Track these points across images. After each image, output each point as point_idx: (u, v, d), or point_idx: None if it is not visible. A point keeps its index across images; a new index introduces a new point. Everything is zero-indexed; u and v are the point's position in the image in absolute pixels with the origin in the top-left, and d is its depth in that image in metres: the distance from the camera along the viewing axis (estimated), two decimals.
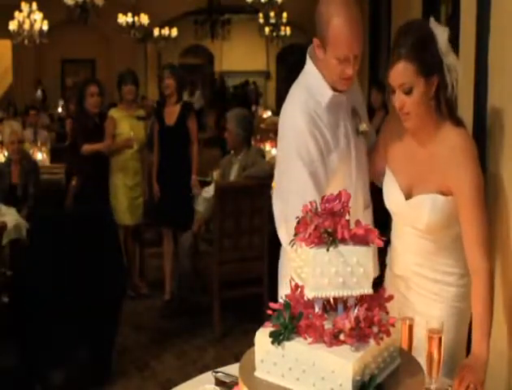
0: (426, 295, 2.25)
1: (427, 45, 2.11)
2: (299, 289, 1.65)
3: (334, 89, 2.23)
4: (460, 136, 2.15)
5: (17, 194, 5.43)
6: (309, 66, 2.29)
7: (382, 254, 2.38)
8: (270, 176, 5.13)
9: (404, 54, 2.08)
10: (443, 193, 2.15)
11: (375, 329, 1.56)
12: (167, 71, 5.50)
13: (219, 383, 1.93)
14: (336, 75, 2.19)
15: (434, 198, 2.15)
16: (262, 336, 1.60)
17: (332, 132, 2.24)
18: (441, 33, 2.12)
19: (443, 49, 2.11)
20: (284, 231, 2.24)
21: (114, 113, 5.58)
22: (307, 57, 2.30)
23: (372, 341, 1.55)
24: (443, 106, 2.15)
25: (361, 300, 1.62)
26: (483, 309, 2.09)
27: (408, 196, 2.23)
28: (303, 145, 2.19)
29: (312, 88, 2.25)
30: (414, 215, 2.21)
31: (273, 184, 5.63)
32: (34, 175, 5.55)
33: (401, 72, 2.09)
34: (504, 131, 2.42)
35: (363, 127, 2.33)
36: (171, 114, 5.49)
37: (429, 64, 2.09)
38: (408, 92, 2.10)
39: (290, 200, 2.20)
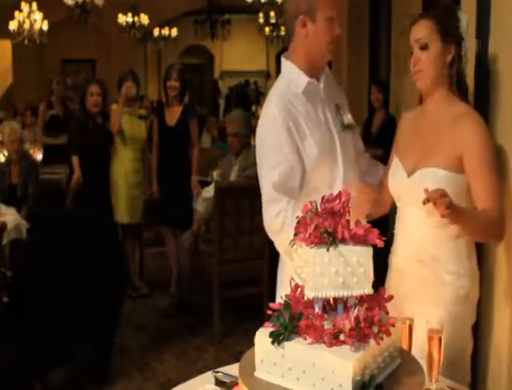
0: (423, 293, 2.24)
1: (450, 15, 2.25)
2: (299, 289, 1.65)
3: (310, 76, 2.38)
4: (467, 107, 2.24)
5: (17, 194, 5.42)
6: (284, 63, 2.44)
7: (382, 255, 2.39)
8: None
9: (426, 14, 2.25)
10: (449, 168, 2.17)
11: (375, 329, 1.56)
12: (175, 72, 5.45)
13: (218, 383, 1.92)
14: (327, 40, 2.34)
15: (435, 172, 2.19)
16: (262, 336, 1.60)
17: (308, 119, 2.33)
18: (464, 18, 2.26)
19: (464, 29, 2.25)
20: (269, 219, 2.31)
21: (116, 107, 5.56)
22: (282, 59, 2.45)
23: (372, 341, 1.54)
24: (454, 79, 2.24)
25: (361, 300, 1.61)
26: (477, 222, 2.15)
27: (411, 174, 2.27)
28: (277, 132, 2.29)
29: (289, 79, 2.39)
30: (416, 191, 2.22)
31: None
32: (34, 175, 5.55)
33: (420, 27, 2.23)
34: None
35: (348, 118, 2.41)
36: (173, 114, 5.49)
37: (448, 29, 2.21)
38: (424, 47, 2.21)
39: (262, 185, 2.35)
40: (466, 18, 2.26)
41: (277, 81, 2.44)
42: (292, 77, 2.38)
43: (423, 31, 2.22)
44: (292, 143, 2.29)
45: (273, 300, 1.69)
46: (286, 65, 2.43)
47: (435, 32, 2.20)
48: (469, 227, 2.15)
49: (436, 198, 1.95)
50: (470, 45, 2.27)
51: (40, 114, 7.98)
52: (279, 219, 2.25)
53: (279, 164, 2.29)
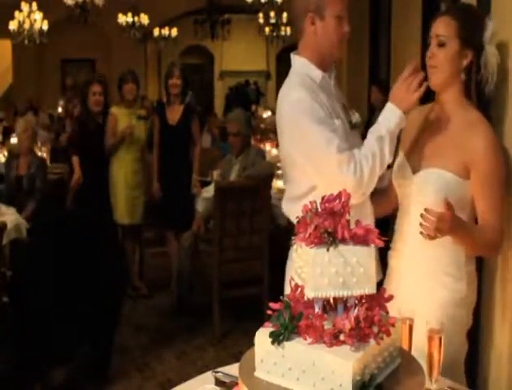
0: (421, 292, 2.24)
1: (475, 20, 2.24)
2: (299, 289, 1.65)
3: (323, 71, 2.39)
4: (481, 116, 2.22)
5: (23, 186, 5.47)
6: (295, 59, 2.43)
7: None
8: (270, 176, 5.16)
9: (452, 11, 2.24)
10: (455, 172, 2.17)
11: (375, 329, 1.56)
12: (177, 70, 5.45)
13: (218, 383, 1.92)
14: (337, 37, 2.35)
15: (441, 173, 2.19)
16: (262, 336, 1.60)
17: (329, 108, 2.32)
18: (491, 25, 2.23)
19: (488, 38, 2.22)
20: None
21: (115, 110, 5.57)
22: (292, 56, 2.44)
23: (372, 341, 1.54)
24: (472, 88, 2.24)
25: (361, 300, 1.61)
26: (475, 236, 2.17)
27: (416, 171, 2.27)
28: (311, 109, 2.25)
29: (302, 73, 2.37)
30: (420, 189, 2.23)
31: (273, 184, 5.63)
32: (42, 171, 5.61)
33: (441, 24, 2.22)
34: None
35: (356, 117, 2.41)
36: (174, 113, 5.49)
37: (469, 34, 2.20)
38: (441, 45, 2.21)
39: (324, 160, 2.23)
40: (493, 26, 2.22)
41: (289, 77, 2.41)
42: (305, 71, 2.37)
43: (444, 28, 2.21)
44: (328, 115, 2.29)
45: (274, 300, 1.68)
46: (298, 60, 2.41)
47: (455, 34, 2.19)
48: (464, 243, 2.17)
49: (429, 230, 1.99)
50: (491, 56, 2.22)
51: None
52: (358, 172, 2.22)
53: (333, 132, 2.25)
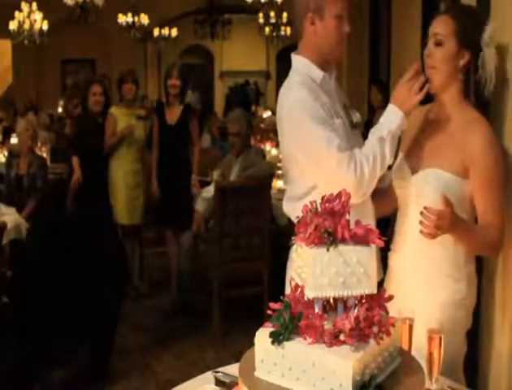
0: (420, 293, 2.24)
1: (474, 21, 2.24)
2: (299, 289, 1.65)
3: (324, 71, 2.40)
4: (479, 115, 2.21)
5: (23, 185, 5.48)
6: (295, 59, 2.44)
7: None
8: (270, 176, 5.16)
9: (450, 11, 2.26)
10: (454, 172, 2.17)
11: (375, 329, 1.56)
12: (176, 70, 5.45)
13: (218, 383, 1.92)
14: (337, 37, 2.36)
15: (440, 173, 2.19)
16: (262, 336, 1.60)
17: (330, 107, 2.33)
18: (489, 27, 2.22)
19: (486, 40, 2.21)
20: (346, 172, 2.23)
21: (114, 110, 5.58)
22: (292, 56, 2.45)
23: (372, 341, 1.54)
24: (471, 89, 2.23)
25: (361, 300, 1.61)
26: (475, 235, 2.18)
27: (415, 172, 2.28)
28: (312, 109, 2.26)
29: (303, 73, 2.38)
30: (419, 190, 2.23)
31: (273, 184, 5.64)
32: (42, 170, 5.62)
33: (440, 23, 2.23)
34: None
35: (357, 117, 2.43)
36: (173, 113, 5.49)
37: (467, 35, 2.20)
38: (438, 44, 2.21)
39: (324, 159, 2.24)
40: (492, 28, 2.22)
41: (289, 77, 2.42)
42: (306, 71, 2.37)
43: (442, 27, 2.21)
44: (328, 115, 2.30)
45: (274, 300, 1.68)
46: (298, 60, 2.42)
47: (452, 33, 2.19)
48: (464, 242, 2.17)
49: (429, 229, 1.99)
50: (489, 58, 2.21)
51: None
52: (358, 172, 2.23)
53: (333, 131, 2.26)
